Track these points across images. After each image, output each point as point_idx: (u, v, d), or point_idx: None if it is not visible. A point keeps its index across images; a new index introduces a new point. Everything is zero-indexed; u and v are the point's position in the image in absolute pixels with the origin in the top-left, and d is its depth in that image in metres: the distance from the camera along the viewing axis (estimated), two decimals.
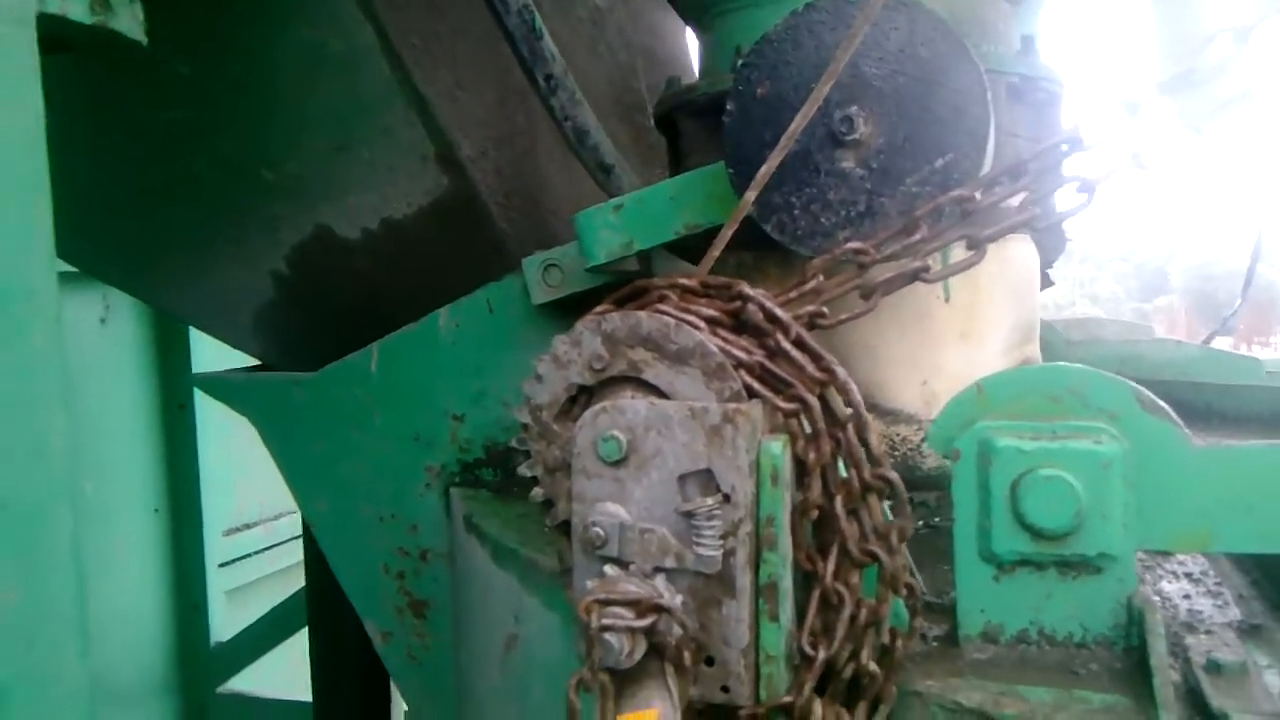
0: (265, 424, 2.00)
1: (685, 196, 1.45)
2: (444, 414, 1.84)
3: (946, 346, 1.56)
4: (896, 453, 1.52)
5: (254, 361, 2.39)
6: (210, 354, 3.87)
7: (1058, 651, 1.01)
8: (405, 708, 3.08)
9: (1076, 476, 1.00)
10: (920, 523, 1.53)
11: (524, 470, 0.99)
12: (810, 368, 0.93)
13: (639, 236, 1.48)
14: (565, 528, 0.98)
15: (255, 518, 4.51)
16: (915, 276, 0.99)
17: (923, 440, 1.55)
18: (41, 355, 0.92)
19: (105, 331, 3.95)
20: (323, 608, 2.94)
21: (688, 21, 1.82)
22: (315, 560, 2.90)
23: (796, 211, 1.25)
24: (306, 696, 3.00)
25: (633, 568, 0.91)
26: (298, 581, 3.48)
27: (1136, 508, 1.01)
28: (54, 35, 0.98)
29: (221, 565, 4.31)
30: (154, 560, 4.19)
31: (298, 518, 2.97)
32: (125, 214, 1.90)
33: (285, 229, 1.89)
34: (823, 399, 0.93)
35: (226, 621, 4.32)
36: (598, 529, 0.91)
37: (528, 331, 1.78)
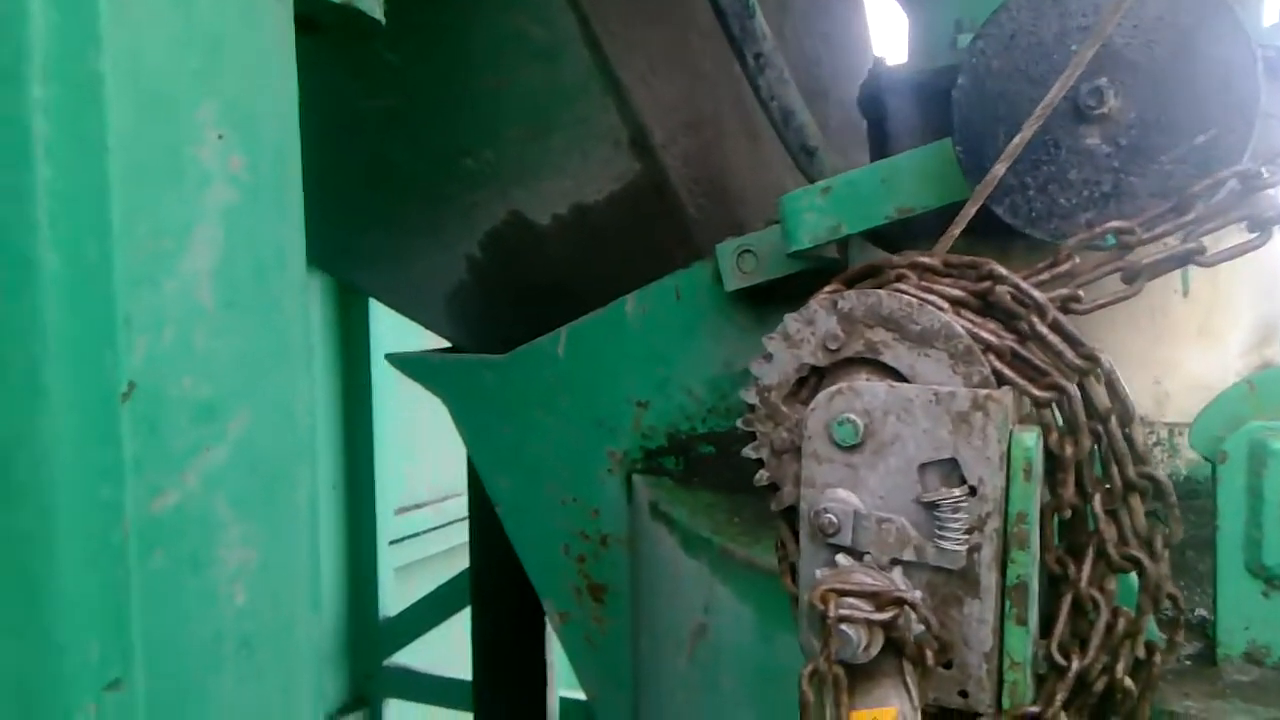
0: (456, 403, 2.05)
1: (899, 178, 1.38)
2: (628, 400, 1.84)
3: (1182, 344, 1.43)
4: None
5: (436, 345, 2.47)
6: (390, 337, 4.04)
7: None
8: (561, 691, 3.12)
9: None
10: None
11: (749, 452, 0.96)
12: (1069, 354, 0.86)
13: (848, 220, 1.43)
14: (789, 514, 0.94)
15: (425, 498, 4.67)
16: (1188, 259, 0.90)
17: (1155, 444, 1.43)
18: (290, 322, 0.95)
19: None
20: (486, 590, 3.01)
21: (900, 3, 1.75)
22: (480, 543, 2.97)
23: (1032, 192, 1.17)
24: (467, 675, 3.08)
25: (867, 559, 0.86)
26: (462, 562, 3.58)
27: None
28: (304, 15, 1.01)
29: (392, 543, 4.49)
30: (331, 535, 4.39)
31: (464, 500, 3.04)
32: (330, 197, 1.98)
33: (480, 214, 1.93)
34: (1082, 388, 0.86)
35: (395, 597, 4.49)
36: (830, 515, 0.87)
37: (715, 320, 1.75)
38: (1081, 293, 0.92)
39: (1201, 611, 1.06)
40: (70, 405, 0.79)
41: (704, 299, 1.75)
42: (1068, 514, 0.87)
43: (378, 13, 1.10)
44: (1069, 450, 0.86)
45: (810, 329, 0.92)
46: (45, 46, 0.77)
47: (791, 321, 0.93)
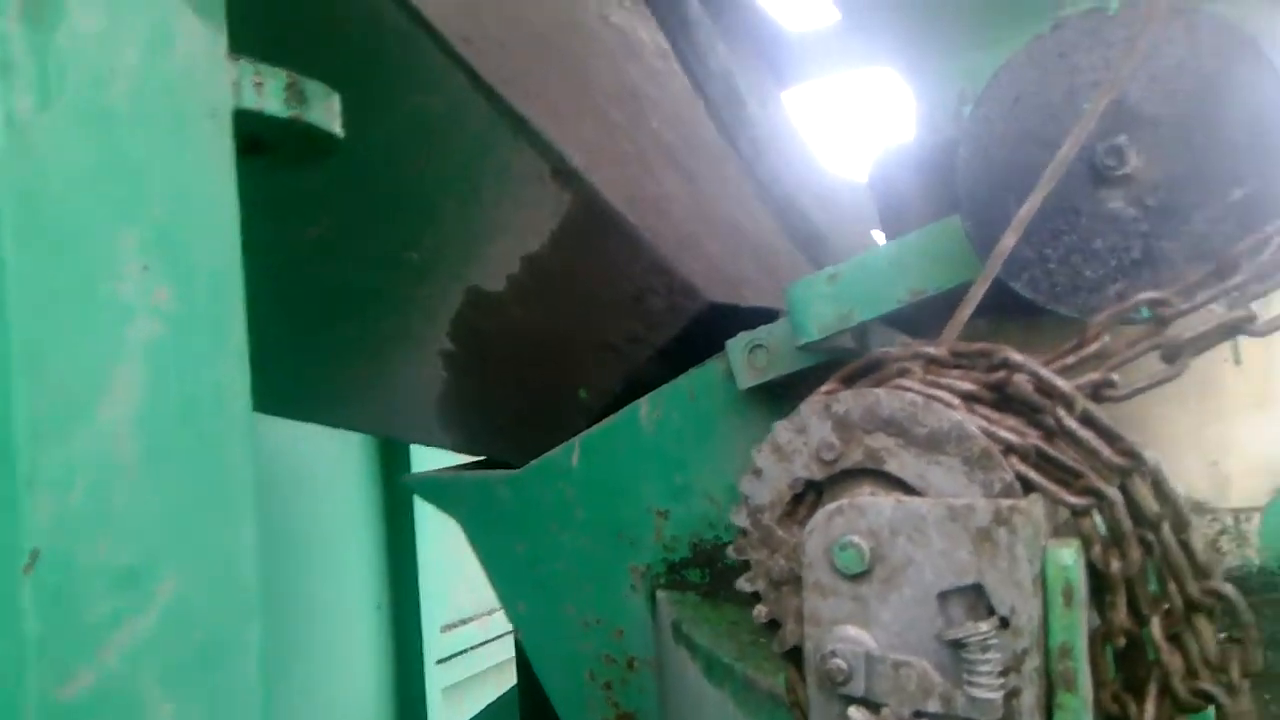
0: (470, 523, 1.96)
1: (910, 259, 1.28)
2: (648, 510, 1.73)
3: (1239, 419, 1.29)
4: None
5: (468, 458, 2.38)
6: (430, 451, 3.98)
7: None
8: None
9: None
10: (1224, 635, 1.25)
11: (743, 585, 0.84)
12: (1106, 451, 0.73)
13: (859, 307, 1.32)
14: (795, 654, 0.81)
15: (470, 612, 4.54)
16: (1237, 330, 0.78)
17: (1220, 533, 1.28)
18: (230, 468, 0.86)
19: (331, 432, 4.14)
20: (533, 707, 2.87)
21: (900, 72, 1.67)
22: (527, 659, 2.84)
23: (1053, 265, 1.05)
24: None
25: (885, 711, 0.73)
26: (510, 678, 3.43)
27: None
28: (248, 133, 0.95)
29: (439, 661, 4.35)
30: (378, 657, 4.27)
31: None
32: (293, 344, 1.96)
33: (439, 304, 1.90)
34: (1125, 491, 0.73)
35: (444, 718, 4.33)
36: (839, 660, 0.74)
37: (731, 420, 1.66)
38: (1116, 376, 0.80)
39: None
40: None
41: (718, 399, 1.66)
42: (1122, 642, 0.73)
43: (335, 126, 1.04)
44: (1115, 565, 0.72)
45: (802, 438, 0.81)
46: None
47: (782, 430, 0.82)
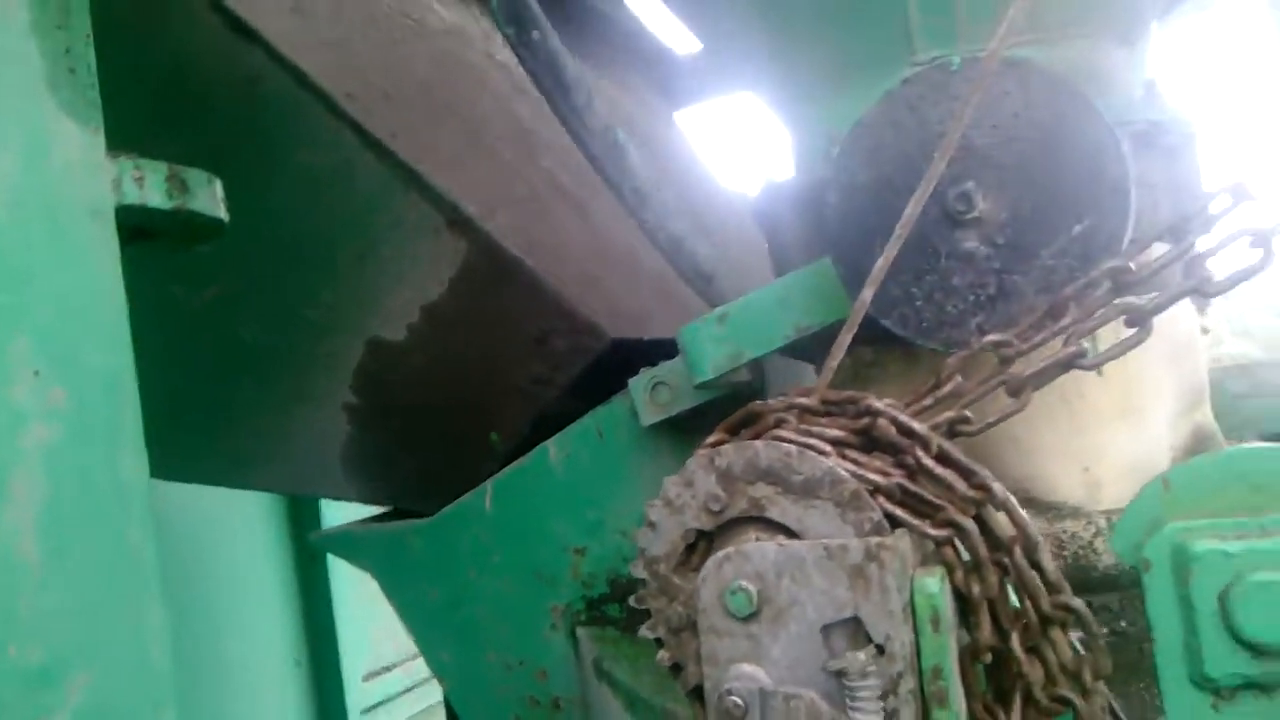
0: (385, 575, 1.96)
1: (793, 297, 1.35)
2: (564, 548, 1.76)
3: (1106, 427, 1.39)
4: (1065, 551, 1.35)
5: (380, 509, 2.38)
6: (339, 504, 3.93)
7: None
8: None
9: None
10: (1105, 629, 1.35)
11: (645, 632, 0.88)
12: (960, 485, 0.80)
13: (748, 345, 1.39)
14: (698, 693, 0.87)
15: (393, 659, 4.48)
16: (1070, 364, 0.86)
17: (1095, 535, 1.37)
18: (135, 558, 0.87)
19: (237, 491, 4.05)
20: None
21: (776, 112, 1.76)
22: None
23: (919, 303, 1.14)
24: None
25: None
26: None
27: None
28: (133, 225, 0.97)
29: (364, 711, 4.28)
30: (299, 712, 4.18)
31: None
32: (191, 409, 1.94)
33: (341, 358, 1.90)
34: (979, 520, 0.80)
35: None
36: (734, 699, 0.79)
37: (639, 457, 1.70)
38: (970, 414, 0.88)
39: None
40: None
41: (625, 436, 1.70)
42: (988, 657, 0.80)
43: (219, 211, 1.06)
44: (976, 589, 0.80)
45: (690, 491, 0.86)
46: None
47: (671, 485, 0.87)
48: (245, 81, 1.56)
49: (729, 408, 1.59)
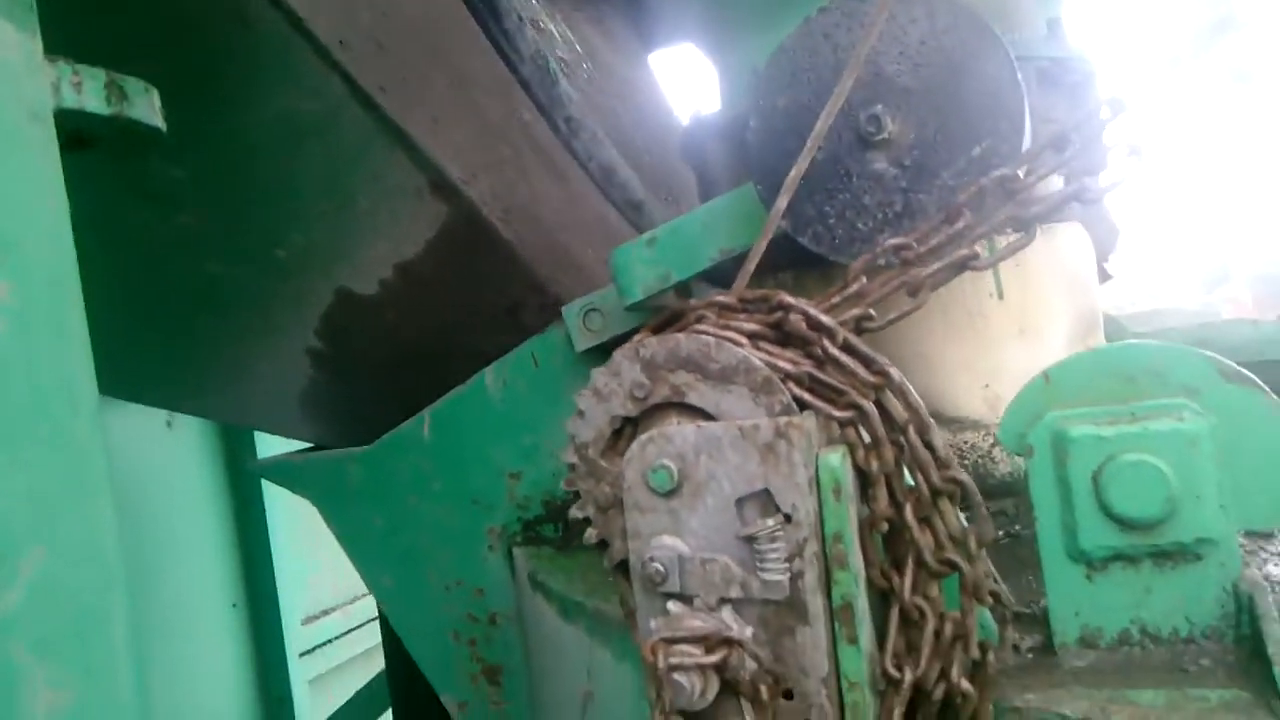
0: (325, 503, 1.99)
1: (717, 221, 1.42)
2: (500, 473, 1.82)
3: (1005, 346, 1.49)
4: (966, 460, 1.45)
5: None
6: (276, 443, 3.92)
7: (1163, 650, 0.94)
8: None
9: (1162, 459, 0.93)
10: (1001, 532, 1.45)
11: (575, 512, 0.95)
12: (862, 372, 0.88)
13: (675, 268, 1.45)
14: (624, 568, 0.94)
15: (331, 603, 4.51)
16: (964, 266, 0.94)
17: (993, 445, 1.48)
18: (84, 453, 0.91)
19: (171, 434, 4.02)
20: (404, 689, 2.91)
21: (704, 53, 1.81)
22: (393, 641, 2.87)
23: (832, 220, 1.21)
24: None
25: (697, 602, 0.86)
26: (378, 664, 3.46)
27: (1232, 486, 0.94)
28: (72, 131, 0.99)
29: (303, 654, 4.31)
30: (236, 655, 4.20)
31: (372, 600, 2.95)
32: (153, 331, 1.92)
33: (308, 302, 1.90)
34: (879, 404, 0.88)
35: (311, 711, 4.30)
36: (656, 565, 0.87)
37: (573, 382, 1.75)
38: (874, 312, 0.95)
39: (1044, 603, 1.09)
40: None
41: (560, 362, 1.75)
42: (885, 528, 0.89)
43: (156, 120, 1.08)
44: (875, 465, 0.88)
45: (617, 380, 0.93)
46: None
47: (599, 375, 0.94)
48: (236, 14, 1.50)
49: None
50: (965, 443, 1.44)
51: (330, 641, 4.43)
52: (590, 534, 0.94)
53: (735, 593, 0.85)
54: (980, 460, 1.44)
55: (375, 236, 1.80)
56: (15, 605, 0.83)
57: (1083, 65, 1.55)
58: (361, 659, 4.50)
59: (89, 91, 0.99)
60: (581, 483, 0.94)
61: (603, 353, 1.69)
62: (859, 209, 1.20)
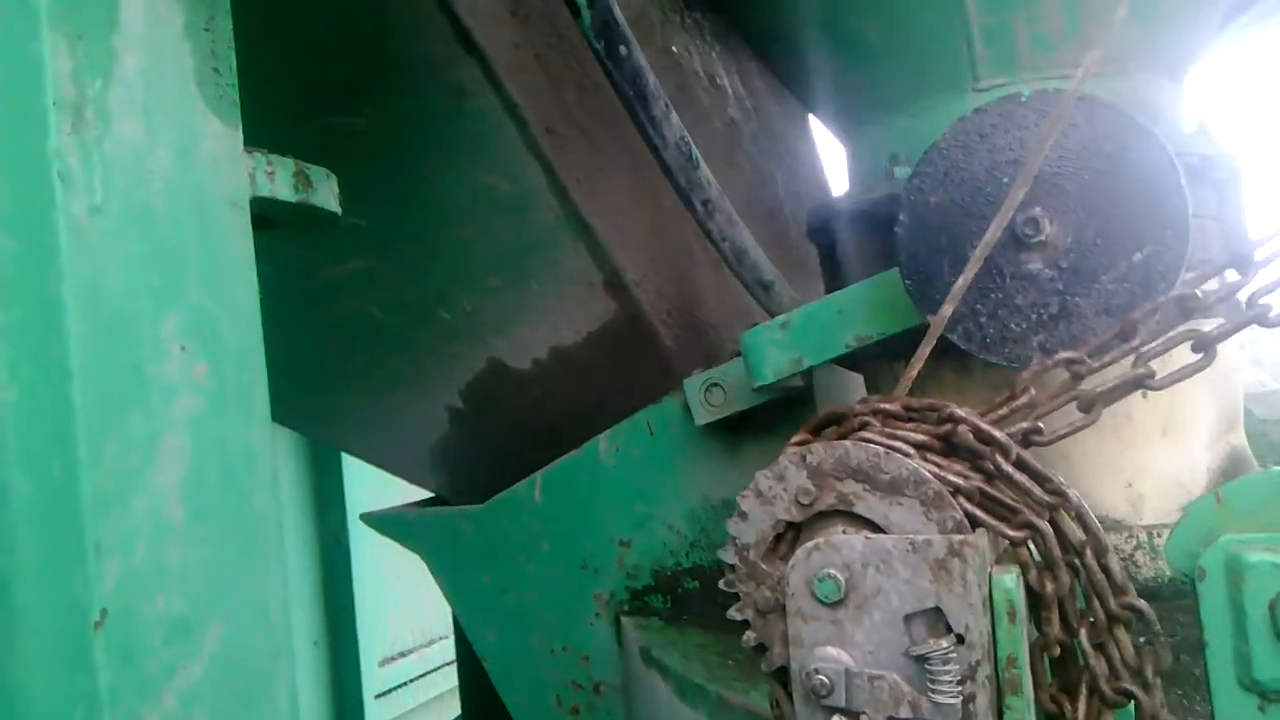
0: (435, 558, 2.02)
1: (854, 309, 1.42)
2: (610, 540, 1.83)
3: (1148, 445, 1.46)
4: None
5: (413, 497, 2.44)
6: (364, 491, 4.00)
7: None
8: None
9: None
10: (1142, 639, 1.41)
11: (733, 614, 0.95)
12: (1037, 490, 0.87)
13: (808, 353, 1.46)
14: (781, 674, 0.93)
15: (409, 645, 4.55)
16: (1140, 385, 0.93)
17: (1136, 548, 1.44)
18: (260, 522, 0.94)
19: None
20: None
21: (834, 132, 1.82)
22: (468, 687, 2.88)
23: (983, 319, 1.20)
24: None
25: (863, 719, 0.85)
26: (452, 709, 3.48)
27: None
28: (261, 214, 1.04)
29: (378, 696, 4.35)
30: (315, 693, 4.25)
31: (449, 643, 2.97)
32: (306, 362, 1.98)
33: (459, 365, 1.94)
34: (1054, 524, 0.87)
35: None
36: (821, 677, 0.86)
37: (689, 453, 1.76)
38: (1041, 424, 0.94)
39: None
40: (41, 636, 0.78)
41: (676, 433, 1.76)
42: (1057, 651, 0.87)
43: (333, 205, 1.13)
44: (1049, 587, 0.86)
45: (782, 485, 0.93)
46: (3, 272, 0.79)
47: (763, 479, 0.94)
48: (453, 92, 1.54)
49: (776, 412, 1.67)
50: None
51: (406, 684, 4.47)
52: (749, 637, 0.94)
53: (905, 713, 0.84)
54: (1123, 563, 1.40)
55: (539, 319, 1.84)
56: (198, 678, 0.86)
57: (1229, 160, 1.53)
58: (435, 703, 4.53)
59: (280, 180, 1.04)
60: (741, 585, 0.94)
61: (719, 427, 1.70)
62: (1011, 308, 1.19)
